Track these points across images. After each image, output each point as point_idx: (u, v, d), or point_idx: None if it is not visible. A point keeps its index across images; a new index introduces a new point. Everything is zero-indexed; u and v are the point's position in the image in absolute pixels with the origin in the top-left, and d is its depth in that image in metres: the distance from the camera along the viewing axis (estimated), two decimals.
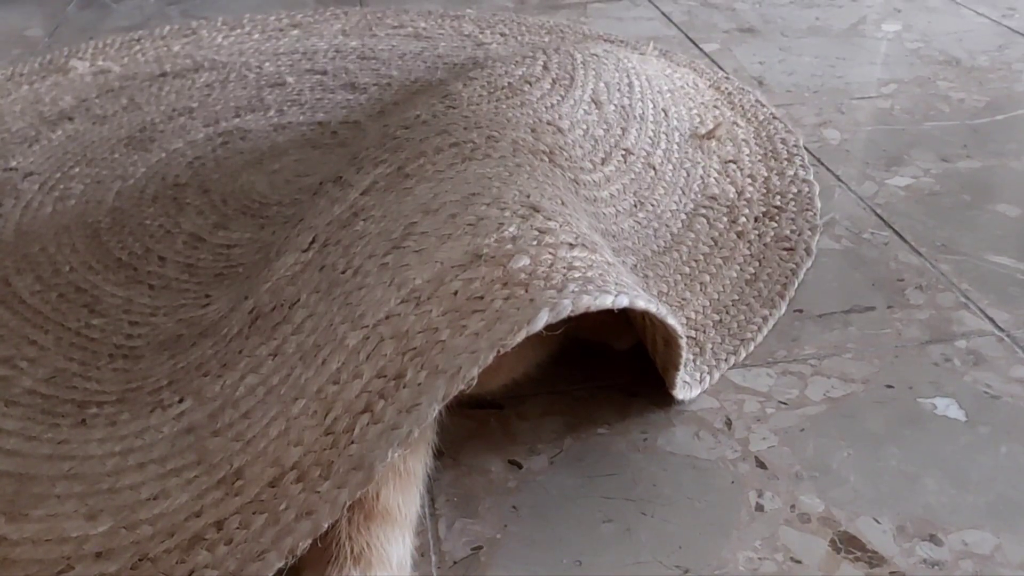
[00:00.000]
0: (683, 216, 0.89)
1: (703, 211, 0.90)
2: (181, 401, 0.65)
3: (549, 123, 0.87)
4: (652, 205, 0.88)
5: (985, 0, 1.57)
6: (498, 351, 0.51)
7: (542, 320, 0.52)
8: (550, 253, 0.58)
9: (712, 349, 0.72)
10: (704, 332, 0.74)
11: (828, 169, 1.01)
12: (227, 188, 0.99)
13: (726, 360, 0.72)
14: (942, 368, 0.72)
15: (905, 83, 1.24)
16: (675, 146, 0.98)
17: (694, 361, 0.71)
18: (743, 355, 0.72)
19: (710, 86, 1.18)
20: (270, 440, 0.56)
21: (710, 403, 0.69)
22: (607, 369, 0.71)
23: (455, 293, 0.55)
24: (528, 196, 0.65)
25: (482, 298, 0.55)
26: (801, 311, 0.78)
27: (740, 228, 0.87)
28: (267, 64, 1.31)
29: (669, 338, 0.62)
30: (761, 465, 0.63)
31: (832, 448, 0.65)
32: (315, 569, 0.53)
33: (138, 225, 0.93)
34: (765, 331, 0.75)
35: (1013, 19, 1.48)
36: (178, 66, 1.31)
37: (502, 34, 1.40)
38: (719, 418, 0.67)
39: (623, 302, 0.55)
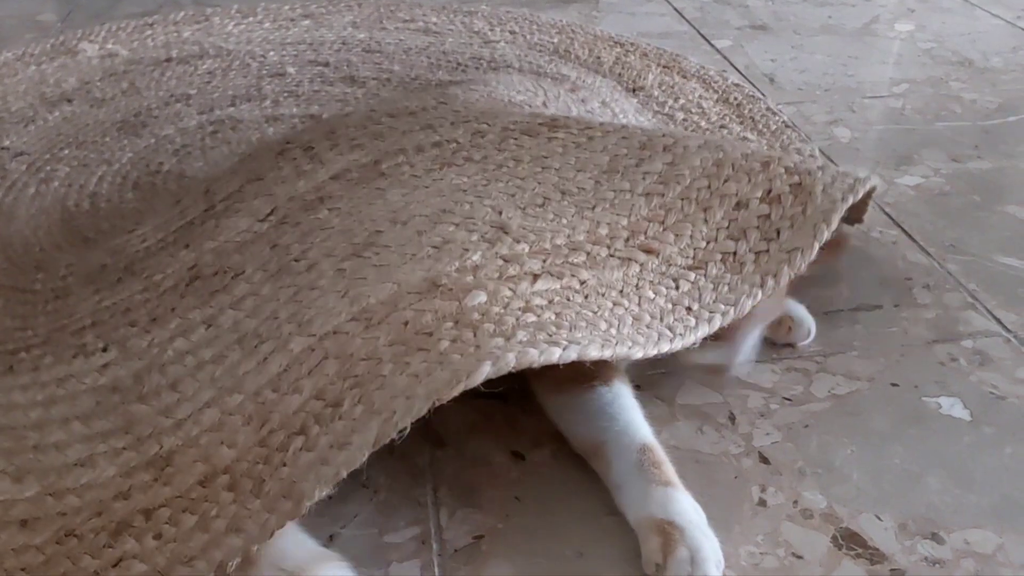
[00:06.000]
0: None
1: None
2: (105, 350, 0.64)
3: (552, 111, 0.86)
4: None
5: (1000, 1, 1.56)
6: (434, 402, 0.49)
7: (483, 374, 0.51)
8: (510, 289, 0.57)
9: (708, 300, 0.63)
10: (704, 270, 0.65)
11: (838, 167, 1.01)
12: (206, 178, 0.99)
13: (723, 314, 0.62)
14: (948, 368, 0.72)
15: (917, 83, 1.24)
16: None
17: (688, 308, 0.63)
18: (731, 316, 0.63)
19: (718, 100, 1.16)
20: (203, 429, 0.55)
21: (714, 398, 0.69)
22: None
23: (405, 323, 0.55)
24: (500, 213, 0.64)
25: (431, 335, 0.54)
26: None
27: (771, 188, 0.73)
28: (271, 53, 1.31)
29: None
30: (764, 461, 0.63)
31: (836, 445, 0.64)
32: None
33: (114, 210, 0.93)
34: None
35: None
36: (184, 52, 1.31)
37: (512, 32, 1.39)
38: (723, 413, 0.67)
39: (571, 355, 0.54)
